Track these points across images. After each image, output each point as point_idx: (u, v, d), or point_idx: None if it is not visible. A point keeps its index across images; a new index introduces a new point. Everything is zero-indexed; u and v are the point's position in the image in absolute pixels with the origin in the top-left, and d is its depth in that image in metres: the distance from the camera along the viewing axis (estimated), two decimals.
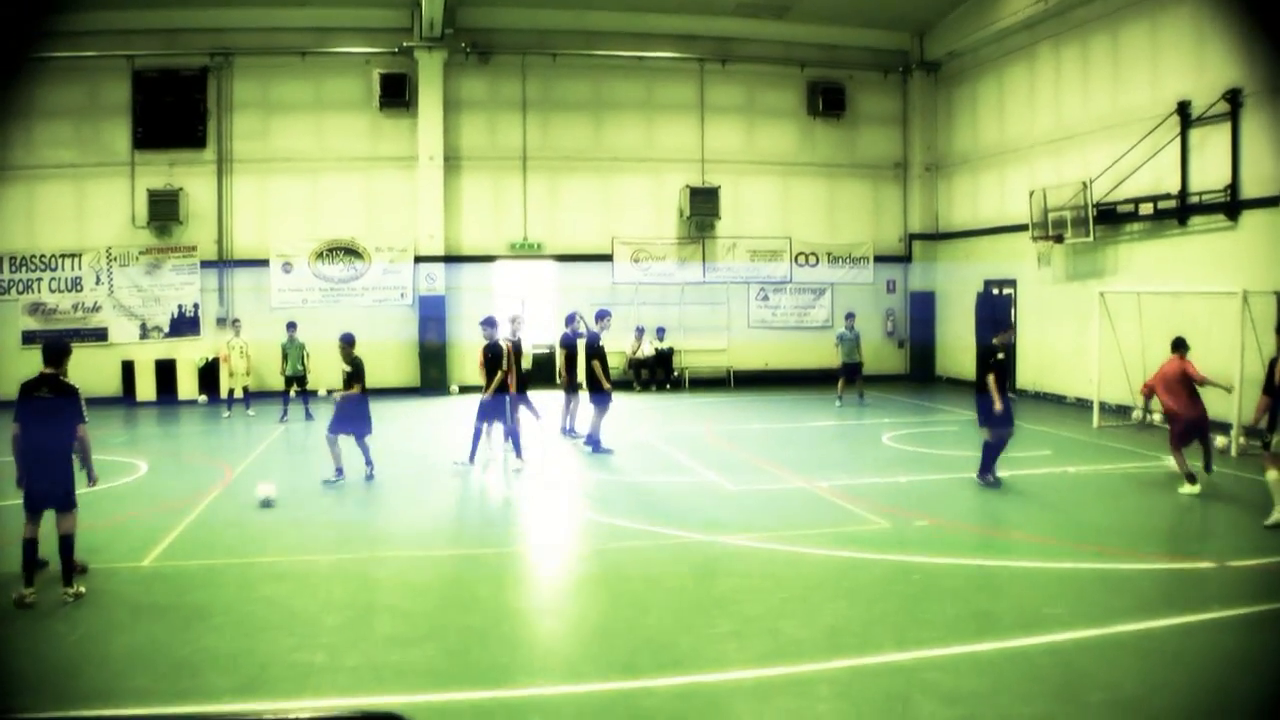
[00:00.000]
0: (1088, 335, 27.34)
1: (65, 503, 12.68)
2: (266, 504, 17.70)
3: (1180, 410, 18.55)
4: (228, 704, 9.45)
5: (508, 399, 21.30)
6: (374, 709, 8.50)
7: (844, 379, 31.94)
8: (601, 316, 24.17)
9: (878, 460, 22.18)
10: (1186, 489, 18.28)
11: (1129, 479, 19.57)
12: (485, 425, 21.50)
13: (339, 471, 19.84)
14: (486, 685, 9.94)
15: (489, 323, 21.88)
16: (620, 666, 10.31)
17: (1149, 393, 20.13)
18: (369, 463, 20.28)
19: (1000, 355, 19.01)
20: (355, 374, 20.11)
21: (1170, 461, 19.16)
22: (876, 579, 13.19)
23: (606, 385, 23.40)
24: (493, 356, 21.22)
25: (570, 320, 25.16)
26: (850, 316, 33.05)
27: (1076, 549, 14.45)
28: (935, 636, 10.83)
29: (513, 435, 21.45)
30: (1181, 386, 18.60)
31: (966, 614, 11.66)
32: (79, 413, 12.64)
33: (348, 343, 20.32)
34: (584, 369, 24.05)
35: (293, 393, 29.02)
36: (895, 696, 9.34)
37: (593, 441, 23.13)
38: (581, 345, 24.55)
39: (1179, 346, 19.11)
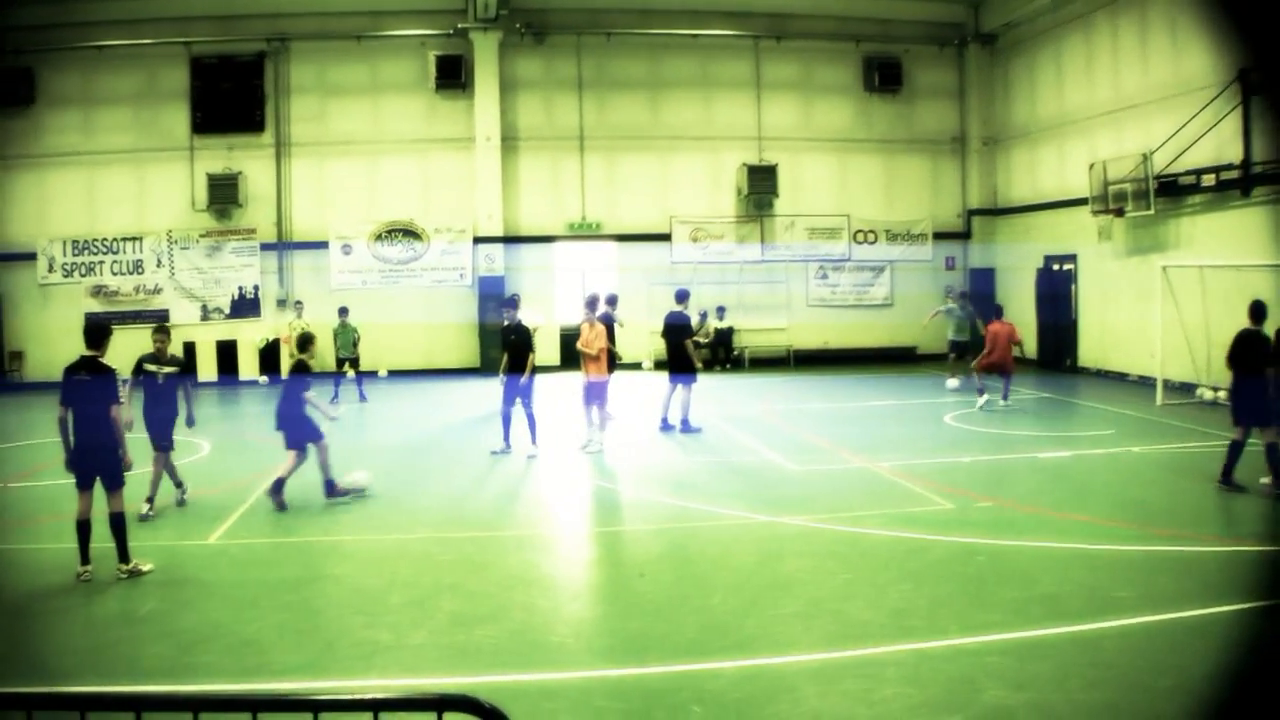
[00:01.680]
0: (1150, 311, 27.03)
1: (110, 482, 12.83)
2: (358, 494, 17.29)
3: (1004, 358, 25.96)
4: (295, 681, 9.55)
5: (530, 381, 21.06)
6: (442, 689, 8.53)
7: (955, 355, 29.99)
8: (683, 297, 24.03)
9: (939, 440, 22.05)
10: (981, 402, 25.78)
11: (1194, 459, 19.33)
12: (518, 407, 21.01)
13: (150, 503, 16.07)
14: (552, 666, 9.97)
15: (511, 303, 21.76)
16: (686, 648, 10.30)
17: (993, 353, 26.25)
18: (178, 484, 16.88)
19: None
20: (185, 370, 17.04)
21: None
22: (941, 560, 13.13)
23: (698, 365, 23.50)
24: (518, 338, 20.94)
25: (611, 302, 24.76)
26: (964, 295, 31.40)
27: (1142, 531, 14.32)
28: (1001, 620, 10.77)
29: (529, 420, 20.88)
30: (1008, 343, 26.02)
31: (1032, 597, 11.58)
32: (114, 393, 12.82)
33: (164, 334, 16.76)
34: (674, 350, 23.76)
35: (349, 374, 29.19)
36: (962, 681, 9.29)
37: (683, 423, 23.18)
38: (617, 327, 24.35)
39: (1001, 313, 28.05)
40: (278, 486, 16.57)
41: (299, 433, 16.93)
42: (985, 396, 25.87)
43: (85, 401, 12.72)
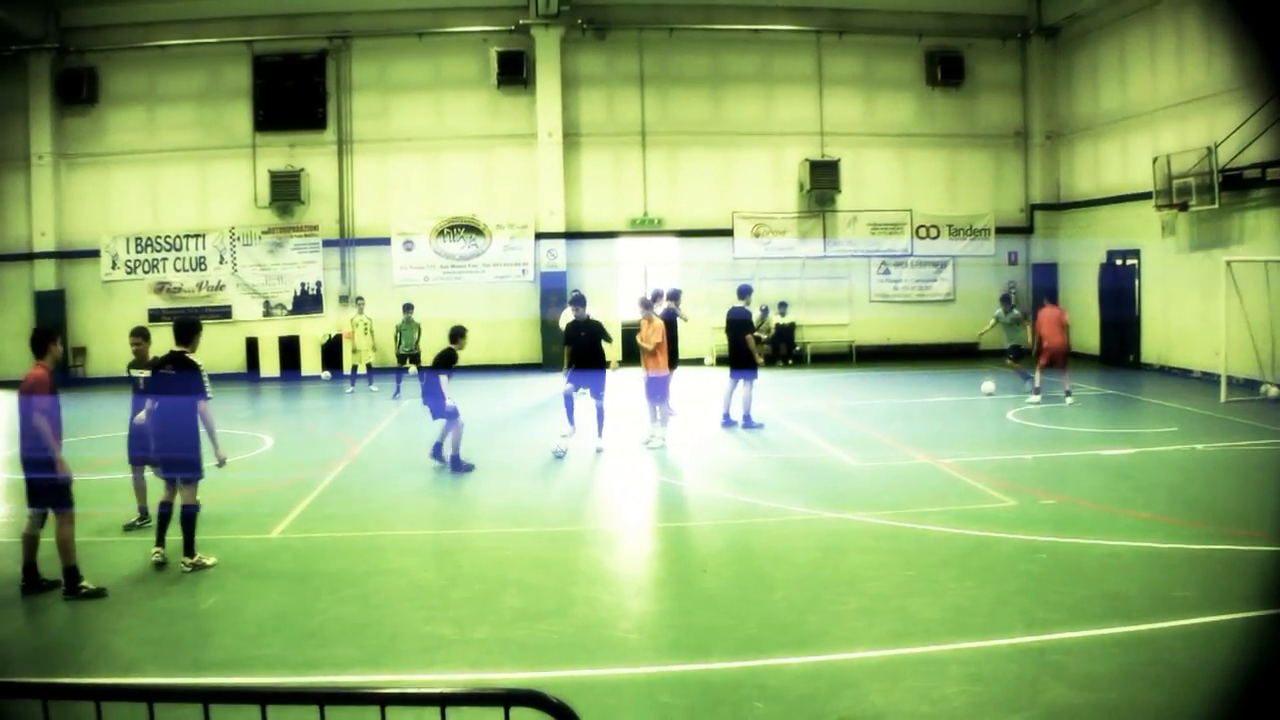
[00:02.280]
0: (1214, 306, 26.77)
1: (188, 474, 13.17)
2: (559, 455, 19.27)
3: (1056, 343, 25.72)
4: (358, 674, 9.65)
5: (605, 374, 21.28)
6: (505, 684, 8.58)
7: (1022, 358, 28.48)
8: (745, 293, 23.93)
9: (1002, 436, 21.94)
10: (1033, 399, 25.95)
11: (1259, 456, 19.17)
12: (584, 396, 21.14)
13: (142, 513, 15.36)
14: (615, 662, 9.99)
15: (579, 300, 21.73)
16: (749, 644, 10.31)
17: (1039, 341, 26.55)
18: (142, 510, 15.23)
19: None
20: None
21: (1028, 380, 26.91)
22: (1003, 558, 13.06)
23: (759, 360, 23.50)
24: (588, 334, 21.05)
25: (674, 297, 24.50)
26: (1006, 299, 29.13)
27: (1205, 530, 14.15)
28: (1064, 618, 10.68)
29: (599, 413, 20.96)
30: (1059, 327, 25.86)
31: (1094, 595, 11.47)
32: (200, 389, 13.16)
33: (143, 337, 15.19)
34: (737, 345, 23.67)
35: (412, 370, 29.31)
36: (1024, 680, 9.26)
37: (745, 418, 23.13)
38: (680, 322, 24.14)
39: (1054, 298, 29.81)
40: (449, 456, 18.91)
41: (445, 409, 18.81)
42: (1039, 395, 26.01)
43: (169, 395, 13.14)
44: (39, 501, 12.21)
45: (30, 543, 12.10)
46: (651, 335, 21.18)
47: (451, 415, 18.84)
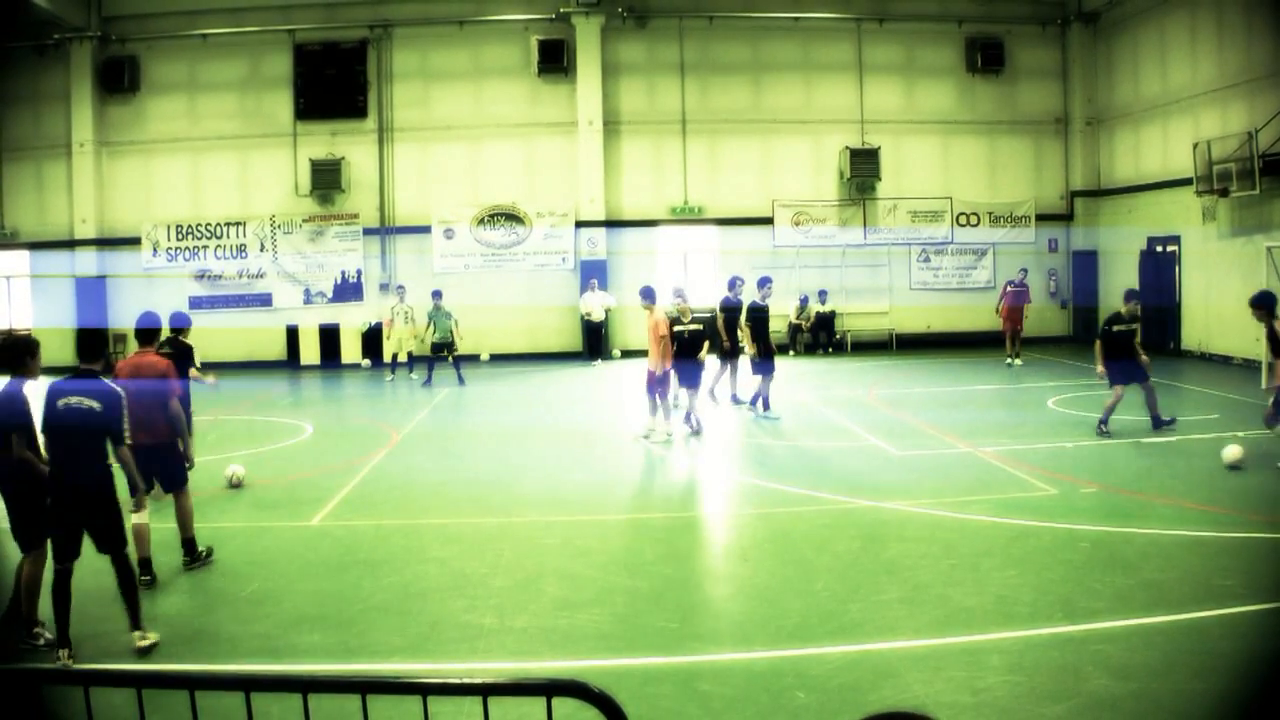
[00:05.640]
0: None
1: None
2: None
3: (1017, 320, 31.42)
4: (398, 662, 9.67)
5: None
6: (546, 673, 8.60)
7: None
8: (763, 284, 23.87)
9: (1043, 424, 21.79)
10: (1012, 361, 31.06)
11: None
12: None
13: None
14: (655, 651, 9.96)
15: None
16: (789, 633, 10.27)
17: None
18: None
19: None
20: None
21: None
22: (1045, 547, 12.97)
23: (749, 350, 23.42)
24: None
25: (731, 285, 24.73)
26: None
27: (1246, 518, 14.05)
28: (1106, 607, 10.62)
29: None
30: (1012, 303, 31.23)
31: (1136, 584, 11.39)
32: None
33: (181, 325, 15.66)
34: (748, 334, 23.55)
35: (449, 358, 29.36)
36: (1066, 669, 9.19)
37: (760, 403, 23.15)
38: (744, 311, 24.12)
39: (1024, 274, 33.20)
40: (761, 400, 22.22)
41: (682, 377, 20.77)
42: (1019, 359, 31.36)
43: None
44: (165, 484, 12.44)
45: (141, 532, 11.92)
46: (658, 326, 20.45)
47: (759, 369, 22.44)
